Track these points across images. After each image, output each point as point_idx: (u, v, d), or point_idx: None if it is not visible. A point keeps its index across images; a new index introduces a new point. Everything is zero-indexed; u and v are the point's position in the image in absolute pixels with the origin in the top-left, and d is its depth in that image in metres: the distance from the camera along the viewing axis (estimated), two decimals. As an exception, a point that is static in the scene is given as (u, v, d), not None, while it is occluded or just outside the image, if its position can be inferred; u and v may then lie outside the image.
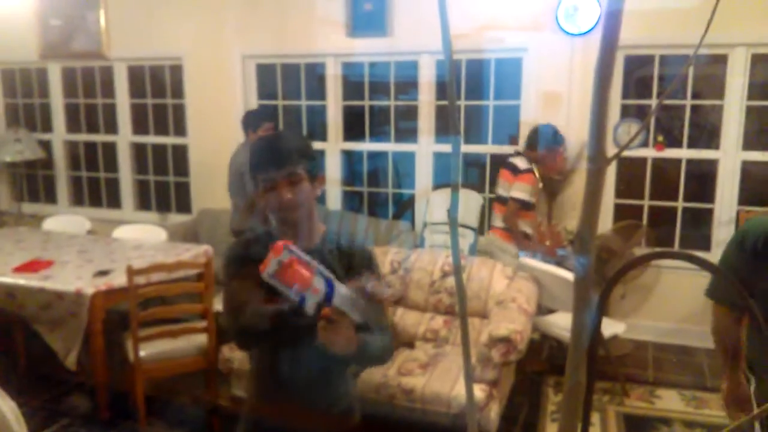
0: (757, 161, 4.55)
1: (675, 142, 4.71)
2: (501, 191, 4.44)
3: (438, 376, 3.30)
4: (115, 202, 6.36)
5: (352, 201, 5.72)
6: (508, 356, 3.20)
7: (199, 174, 5.84)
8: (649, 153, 4.73)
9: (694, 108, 4.66)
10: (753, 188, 4.60)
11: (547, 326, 4.12)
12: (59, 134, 6.45)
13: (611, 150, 0.79)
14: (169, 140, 6.04)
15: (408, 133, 5.30)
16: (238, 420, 1.96)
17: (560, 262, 4.26)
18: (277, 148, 1.75)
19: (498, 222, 4.47)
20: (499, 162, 4.98)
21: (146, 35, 5.75)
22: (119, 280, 3.63)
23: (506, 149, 5.04)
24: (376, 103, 5.42)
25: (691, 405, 3.87)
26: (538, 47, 4.68)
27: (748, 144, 4.52)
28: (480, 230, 4.97)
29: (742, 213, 4.54)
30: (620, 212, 4.83)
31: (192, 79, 5.70)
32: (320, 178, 1.84)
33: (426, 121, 5.12)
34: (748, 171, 4.57)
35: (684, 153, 4.68)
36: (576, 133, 4.47)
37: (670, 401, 3.91)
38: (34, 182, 6.72)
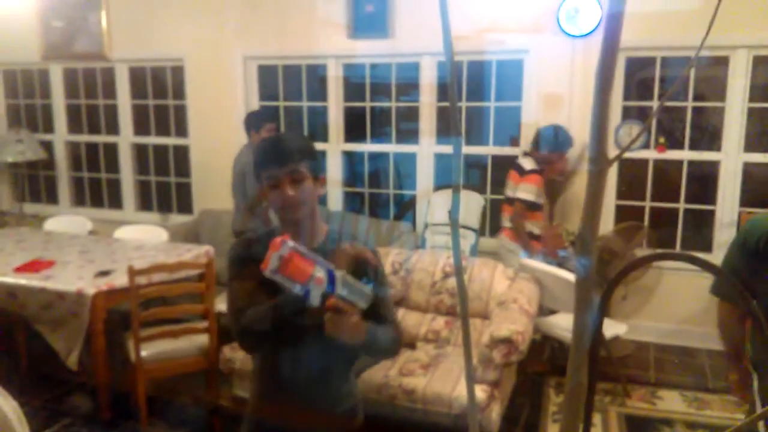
0: (759, 163, 4.55)
1: (676, 144, 4.71)
2: (509, 192, 4.45)
3: (439, 377, 3.31)
4: (116, 202, 6.37)
5: (353, 202, 5.73)
6: (510, 357, 3.20)
7: (200, 175, 5.85)
8: (651, 154, 4.73)
9: (695, 110, 4.66)
10: (754, 190, 4.60)
11: (548, 327, 4.12)
12: (61, 135, 6.46)
13: (612, 152, 0.79)
14: (171, 141, 6.05)
15: (409, 135, 5.30)
16: (239, 420, 1.96)
17: (561, 263, 4.26)
18: (281, 147, 1.77)
19: (507, 223, 4.48)
20: (501, 163, 4.99)
21: (148, 36, 5.76)
22: (120, 280, 3.63)
23: (507, 150, 5.05)
24: (378, 105, 5.43)
25: (692, 406, 3.86)
26: (540, 49, 4.68)
27: (750, 146, 4.52)
28: (481, 231, 4.97)
29: (743, 215, 4.54)
30: (622, 213, 4.83)
31: (193, 80, 5.70)
32: (322, 179, 1.85)
33: (427, 122, 5.13)
34: (749, 173, 4.57)
35: (685, 155, 4.68)
36: (577, 134, 4.46)
37: (671, 402, 3.91)
38: (35, 183, 6.73)
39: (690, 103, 4.63)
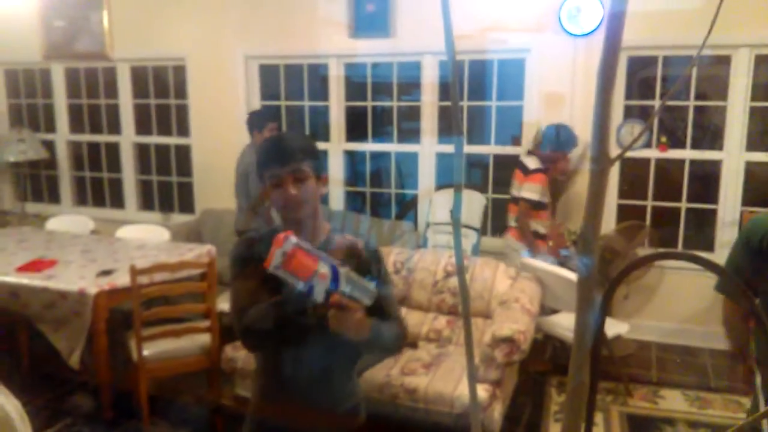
0: (761, 162, 4.55)
1: (678, 143, 4.71)
2: (514, 191, 4.46)
3: (441, 376, 3.31)
4: (118, 202, 6.37)
5: (354, 201, 5.73)
6: (511, 356, 3.20)
7: (202, 174, 5.85)
8: (653, 154, 4.73)
9: (697, 109, 4.65)
10: (757, 189, 4.60)
11: (550, 326, 4.12)
12: (62, 134, 6.47)
13: (614, 151, 0.79)
14: (172, 140, 6.05)
15: (411, 134, 5.30)
16: (241, 419, 1.96)
17: (563, 263, 4.26)
18: (283, 146, 1.78)
19: (513, 222, 4.48)
20: (503, 162, 4.99)
21: (149, 36, 5.77)
22: (122, 279, 3.64)
23: (509, 150, 5.05)
24: (379, 104, 5.43)
25: (694, 405, 3.86)
26: (541, 48, 4.68)
27: (752, 145, 4.52)
28: (483, 231, 4.97)
29: (745, 214, 4.54)
30: (623, 213, 4.82)
31: (195, 79, 5.71)
32: (324, 178, 1.86)
33: (429, 121, 5.12)
34: (751, 172, 4.56)
35: (687, 154, 4.68)
36: (579, 134, 4.46)
37: (673, 401, 3.91)
38: (37, 182, 6.73)
39: (692, 102, 4.62)
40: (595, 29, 4.47)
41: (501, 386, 3.26)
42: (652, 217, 4.80)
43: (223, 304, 3.91)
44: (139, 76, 6.05)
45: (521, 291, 3.70)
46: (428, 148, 5.18)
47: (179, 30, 5.64)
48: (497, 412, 3.20)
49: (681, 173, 4.71)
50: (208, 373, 3.72)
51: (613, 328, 4.03)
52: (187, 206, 6.07)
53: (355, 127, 5.45)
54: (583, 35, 4.51)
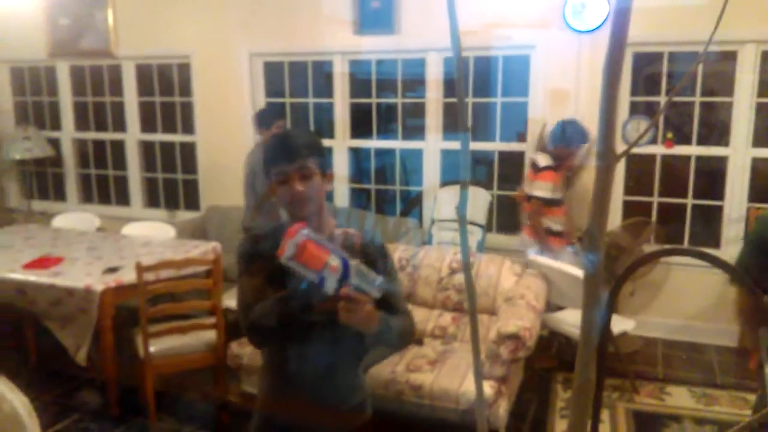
0: (767, 158, 4.53)
1: (684, 139, 4.69)
2: (526, 189, 4.45)
3: (446, 373, 3.31)
4: (123, 199, 6.39)
5: (359, 198, 5.73)
6: (517, 353, 3.20)
7: (207, 171, 5.86)
8: (659, 150, 4.71)
9: (703, 105, 4.64)
10: (763, 185, 4.58)
11: (556, 323, 4.11)
12: (68, 132, 6.49)
13: (620, 147, 0.79)
14: (177, 138, 6.06)
15: (415, 131, 5.29)
16: (247, 416, 1.97)
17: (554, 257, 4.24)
18: (289, 143, 1.78)
19: (527, 220, 4.48)
20: (508, 159, 4.99)
21: (154, 33, 5.77)
22: (128, 276, 3.65)
23: (514, 146, 5.04)
24: (384, 101, 5.42)
25: (701, 402, 3.85)
26: (546, 44, 4.66)
27: (758, 141, 4.50)
28: (488, 227, 4.96)
29: (752, 210, 4.52)
30: (629, 209, 4.81)
31: (200, 77, 5.71)
32: (329, 175, 1.86)
33: (433, 118, 5.12)
34: (758, 168, 4.55)
35: (693, 150, 4.66)
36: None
37: (680, 398, 3.90)
38: (43, 180, 6.76)
39: (698, 99, 4.60)
40: (600, 25, 4.46)
41: (506, 383, 3.26)
42: (658, 213, 4.79)
43: (229, 300, 3.92)
44: (144, 73, 6.06)
45: (527, 288, 3.70)
46: (433, 145, 5.18)
47: (184, 27, 5.64)
48: (502, 408, 3.20)
49: (687, 169, 4.69)
50: (213, 369, 3.73)
51: (619, 324, 4.02)
52: (192, 203, 6.08)
53: (360, 124, 5.45)
54: (588, 31, 4.50)
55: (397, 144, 5.40)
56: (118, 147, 6.32)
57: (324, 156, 1.85)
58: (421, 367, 3.37)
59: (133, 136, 6.20)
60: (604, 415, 3.69)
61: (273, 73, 5.61)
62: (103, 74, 6.22)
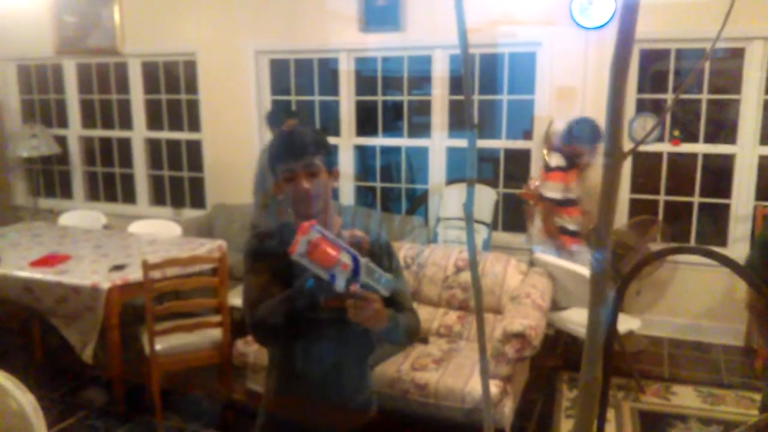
0: (775, 156, 4.51)
1: (691, 137, 4.67)
2: (540, 189, 4.44)
3: (452, 372, 3.30)
4: (130, 197, 6.41)
5: (365, 196, 5.73)
6: (523, 352, 3.19)
7: (213, 169, 5.87)
8: (665, 148, 4.69)
9: (710, 102, 4.61)
10: (770, 183, 4.56)
11: (561, 322, 4.11)
12: (74, 130, 6.51)
13: (626, 145, 0.78)
14: (183, 136, 6.07)
15: (421, 128, 5.29)
16: (252, 414, 1.97)
17: (569, 257, 4.23)
18: (296, 141, 1.78)
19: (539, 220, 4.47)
20: (513, 157, 4.98)
21: (160, 31, 5.78)
22: (135, 274, 3.66)
23: (520, 144, 5.03)
24: (390, 98, 5.41)
25: (707, 401, 3.84)
26: (553, 41, 4.65)
27: (766, 139, 4.47)
28: (494, 225, 4.96)
29: (759, 208, 4.50)
30: (635, 207, 4.79)
31: (206, 74, 5.72)
32: (335, 172, 1.86)
33: (439, 115, 5.11)
34: (765, 166, 4.52)
35: (700, 148, 4.64)
36: (592, 128, 4.42)
37: (685, 398, 3.89)
38: (50, 177, 6.78)
39: (705, 96, 4.58)
40: (606, 22, 4.43)
41: (512, 382, 3.25)
42: (664, 211, 4.77)
43: (235, 298, 3.92)
44: (150, 71, 6.07)
45: (532, 286, 3.69)
46: (439, 143, 5.17)
47: (190, 25, 5.65)
48: (508, 407, 3.20)
49: (694, 167, 4.67)
50: (219, 367, 3.74)
51: (625, 323, 4.01)
52: (198, 201, 6.09)
53: (366, 122, 5.45)
54: (595, 28, 4.48)
55: (402, 142, 5.39)
56: (125, 145, 6.34)
57: (330, 153, 1.85)
58: (426, 366, 3.36)
59: (139, 133, 6.21)
60: (610, 414, 3.68)
61: (279, 70, 5.61)
62: (109, 72, 6.24)
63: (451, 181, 5.17)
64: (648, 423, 3.62)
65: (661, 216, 4.75)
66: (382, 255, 1.82)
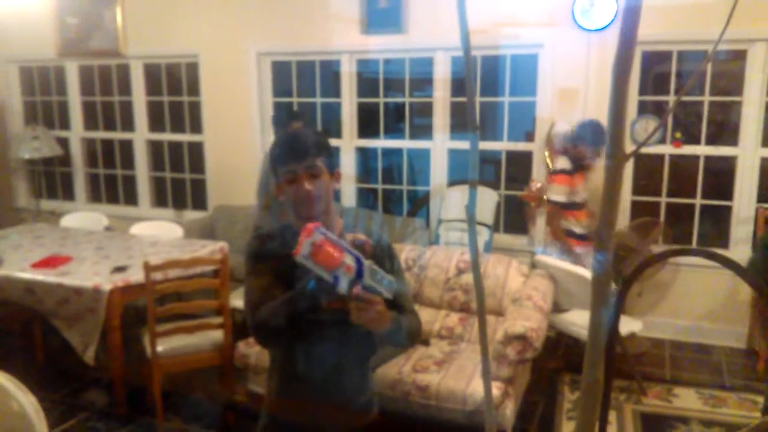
0: (777, 158, 4.50)
1: (693, 139, 4.67)
2: (543, 192, 4.45)
3: (453, 374, 3.30)
4: (131, 198, 6.41)
5: (366, 198, 5.73)
6: (524, 354, 3.19)
7: (214, 171, 5.88)
8: (667, 149, 4.69)
9: (712, 104, 4.61)
10: (772, 185, 4.55)
11: (563, 324, 4.10)
12: (77, 131, 6.51)
13: (628, 147, 0.78)
14: (185, 137, 6.08)
15: (423, 130, 5.29)
16: (253, 415, 1.97)
17: (576, 260, 4.23)
18: (298, 142, 1.79)
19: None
20: (515, 159, 4.98)
21: (162, 33, 5.79)
22: (136, 276, 3.66)
23: (521, 146, 5.03)
24: (391, 100, 5.42)
25: (708, 404, 3.83)
26: (554, 43, 4.65)
27: (768, 140, 4.48)
28: (495, 227, 4.95)
29: (761, 210, 4.49)
30: (637, 209, 4.79)
31: (208, 76, 5.73)
32: (337, 174, 1.86)
33: (441, 117, 5.11)
34: (767, 168, 4.52)
35: (702, 150, 4.63)
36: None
37: (687, 400, 3.88)
38: (52, 179, 6.79)
39: (707, 98, 4.58)
40: (608, 24, 4.44)
41: (513, 384, 3.25)
42: (666, 213, 4.77)
43: (236, 300, 3.92)
44: (152, 73, 6.07)
45: (534, 288, 3.69)
46: (440, 145, 5.17)
47: (192, 27, 5.66)
48: (509, 409, 3.20)
49: (695, 169, 4.66)
50: (220, 369, 3.74)
51: (627, 325, 4.00)
52: (199, 203, 6.10)
53: (367, 124, 5.45)
54: (597, 30, 4.48)
55: (404, 143, 5.40)
56: (127, 146, 6.34)
57: (332, 155, 1.85)
58: (427, 368, 3.36)
59: (141, 135, 6.22)
60: (612, 416, 3.68)
61: (281, 72, 5.62)
62: (111, 74, 6.24)
63: (452, 182, 5.17)
64: (650, 425, 3.61)
65: (662, 218, 4.75)
66: (383, 257, 1.82)
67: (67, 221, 5.30)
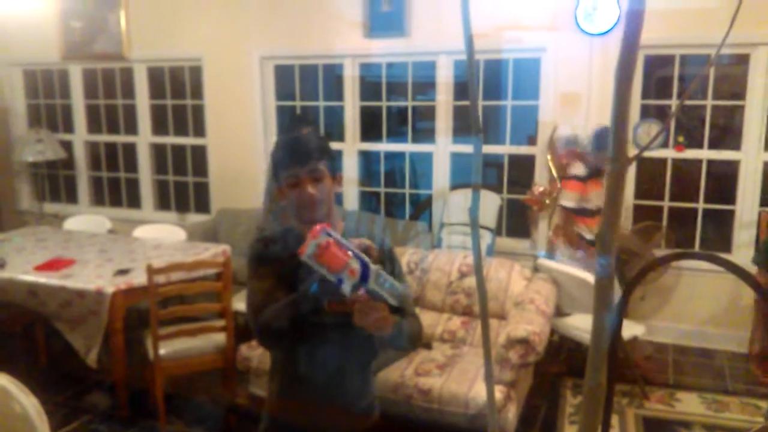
0: (780, 162, 4.50)
1: (695, 143, 4.66)
2: (546, 196, 4.46)
3: (455, 377, 3.30)
4: (135, 202, 6.42)
5: (369, 201, 5.73)
6: (526, 358, 3.18)
7: (217, 174, 5.88)
8: (669, 154, 4.68)
9: (715, 108, 4.61)
10: (775, 189, 4.55)
11: (565, 328, 4.10)
12: (80, 135, 6.53)
13: (631, 151, 0.79)
14: (189, 141, 6.09)
15: (425, 134, 5.29)
16: (255, 418, 1.97)
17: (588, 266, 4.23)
18: (300, 146, 1.79)
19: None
20: (518, 162, 4.97)
21: (166, 37, 5.81)
22: (139, 279, 3.66)
23: (524, 150, 5.03)
24: (394, 104, 5.42)
25: (711, 408, 3.82)
26: (557, 47, 4.65)
27: (770, 145, 4.47)
28: (498, 231, 4.95)
29: (763, 214, 4.48)
30: (640, 213, 4.79)
31: (211, 80, 5.74)
32: (339, 177, 1.87)
33: (443, 121, 5.11)
34: (770, 172, 4.52)
35: (705, 154, 4.63)
36: (595, 133, 4.42)
37: (690, 404, 3.87)
38: (55, 182, 6.80)
39: (709, 102, 4.58)
40: (611, 28, 4.44)
41: (515, 388, 3.25)
42: (668, 217, 4.77)
43: (239, 303, 3.93)
44: (155, 76, 6.09)
45: (536, 292, 3.69)
46: (443, 148, 5.17)
47: (196, 31, 5.67)
48: (512, 413, 3.19)
49: (698, 173, 4.66)
50: (223, 372, 3.74)
51: (630, 329, 4.00)
52: (202, 206, 6.10)
53: (370, 127, 5.45)
54: (600, 34, 4.48)
55: (407, 147, 5.40)
56: (130, 150, 6.35)
57: (334, 159, 1.86)
58: (430, 371, 3.36)
59: (144, 138, 6.23)
60: (614, 420, 3.67)
61: (284, 76, 5.63)
62: (115, 77, 6.26)
63: (455, 186, 5.17)
64: (652, 430, 3.61)
65: (665, 222, 4.74)
66: (384, 260, 1.82)
67: (70, 224, 5.31)
